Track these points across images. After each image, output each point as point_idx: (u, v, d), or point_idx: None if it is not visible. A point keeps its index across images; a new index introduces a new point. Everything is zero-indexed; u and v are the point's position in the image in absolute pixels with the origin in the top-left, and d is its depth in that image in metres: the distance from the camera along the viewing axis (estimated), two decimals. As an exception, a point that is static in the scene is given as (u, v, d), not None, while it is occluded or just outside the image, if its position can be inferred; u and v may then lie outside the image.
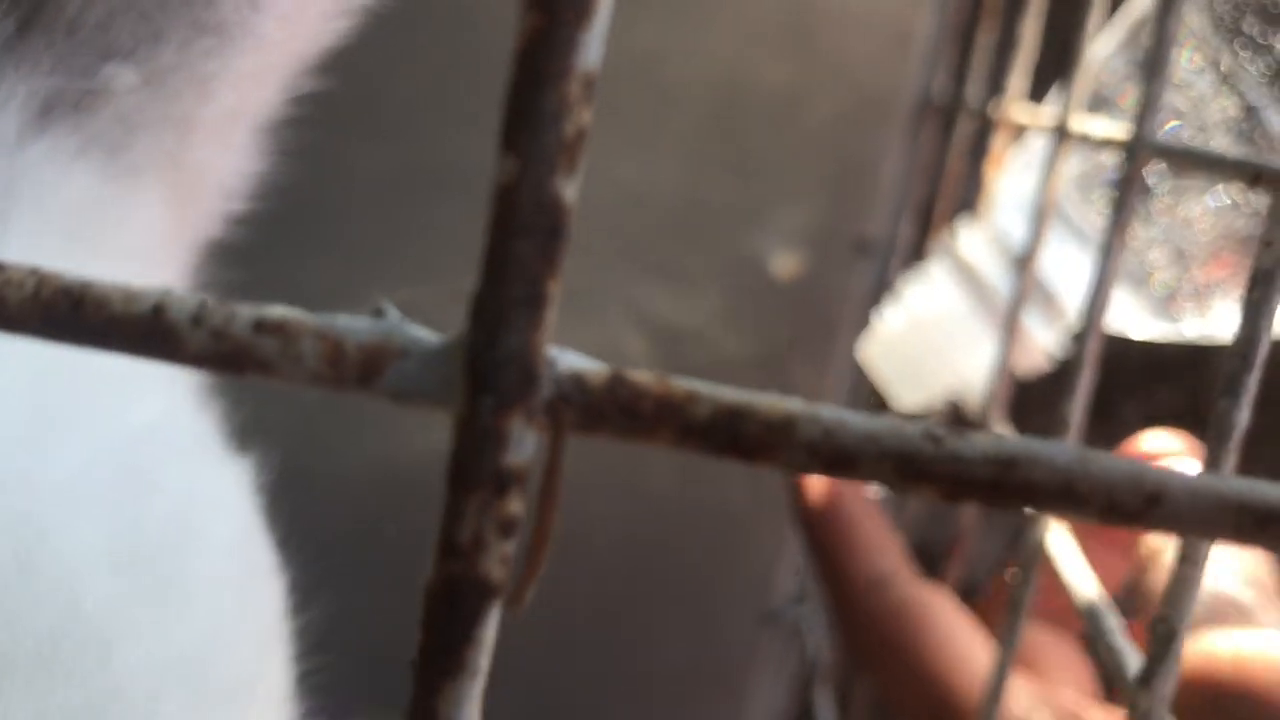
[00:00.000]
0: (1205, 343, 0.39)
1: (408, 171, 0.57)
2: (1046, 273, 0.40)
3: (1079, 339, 0.34)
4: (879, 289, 0.58)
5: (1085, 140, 0.34)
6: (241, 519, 0.21)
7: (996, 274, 0.39)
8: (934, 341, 0.39)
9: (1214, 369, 0.51)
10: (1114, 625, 0.24)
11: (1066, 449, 0.10)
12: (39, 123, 0.21)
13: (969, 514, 0.46)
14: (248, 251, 0.25)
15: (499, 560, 0.09)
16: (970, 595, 0.40)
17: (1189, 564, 0.20)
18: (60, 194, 0.21)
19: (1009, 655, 0.29)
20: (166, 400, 0.22)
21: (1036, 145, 0.41)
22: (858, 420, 0.10)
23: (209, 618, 0.19)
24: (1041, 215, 0.35)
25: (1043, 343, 0.39)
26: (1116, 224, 0.28)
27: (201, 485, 0.21)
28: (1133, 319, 0.39)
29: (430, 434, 0.62)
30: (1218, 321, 0.37)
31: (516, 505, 0.09)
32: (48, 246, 0.20)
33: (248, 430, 0.26)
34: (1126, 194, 0.29)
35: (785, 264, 0.60)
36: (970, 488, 0.09)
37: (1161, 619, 0.20)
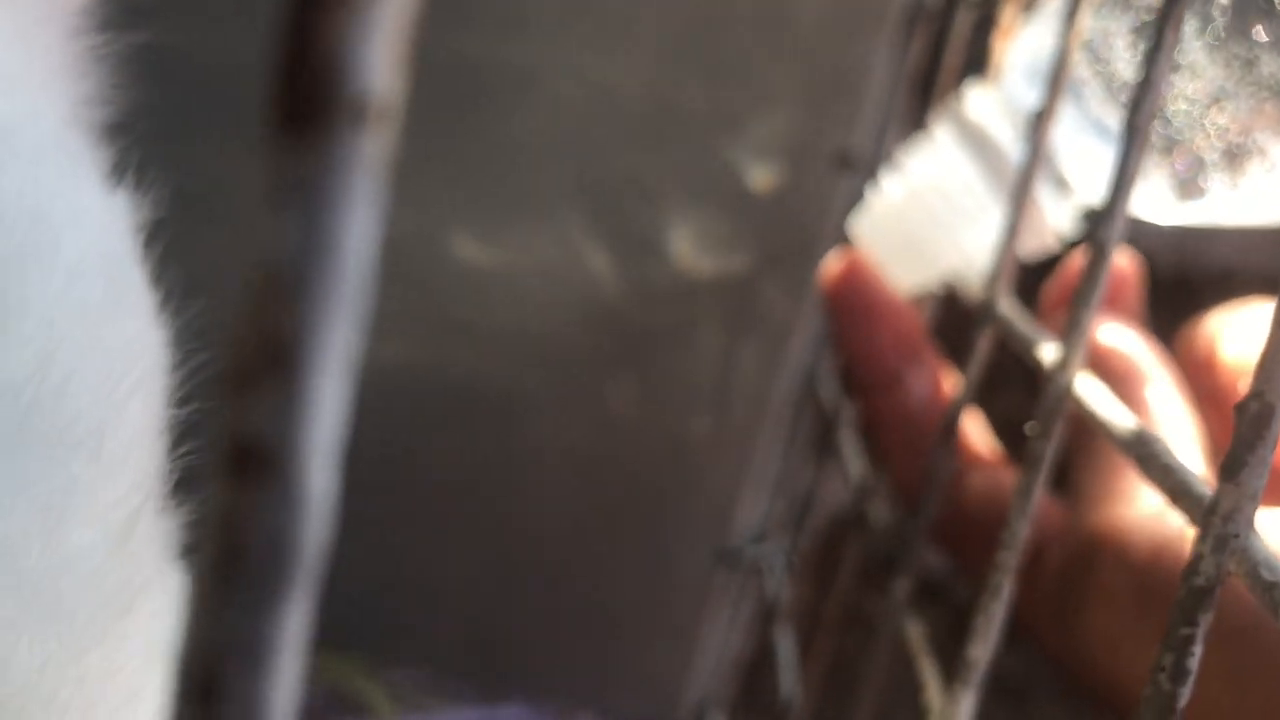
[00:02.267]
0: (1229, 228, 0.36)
1: None
2: (1058, 148, 0.36)
3: (1091, 218, 0.30)
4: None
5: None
6: (104, 247, 0.17)
7: (1006, 138, 0.36)
8: (935, 212, 0.36)
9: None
10: (1165, 447, 0.20)
11: None
12: None
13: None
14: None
15: None
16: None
17: (1297, 320, 0.16)
18: None
19: (1025, 512, 0.25)
20: (30, 104, 0.18)
21: (1051, 6, 0.37)
22: None
23: (44, 343, 0.15)
24: (1058, 74, 0.31)
25: (1053, 220, 0.36)
26: (1151, 68, 0.25)
27: (56, 199, 0.17)
28: (1151, 199, 0.36)
29: (375, 344, 0.57)
30: (1250, 193, 0.34)
31: None
32: None
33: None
34: (1167, 25, 0.25)
35: (762, 177, 0.57)
36: None
37: (1255, 395, 0.16)
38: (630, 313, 0.57)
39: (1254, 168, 0.33)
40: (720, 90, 0.55)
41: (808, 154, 0.56)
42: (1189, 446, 0.33)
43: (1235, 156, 0.33)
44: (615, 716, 0.60)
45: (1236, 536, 0.16)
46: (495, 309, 0.57)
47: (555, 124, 0.56)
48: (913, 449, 0.37)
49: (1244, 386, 0.17)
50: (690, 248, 0.57)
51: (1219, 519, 0.17)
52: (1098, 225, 0.25)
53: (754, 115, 0.56)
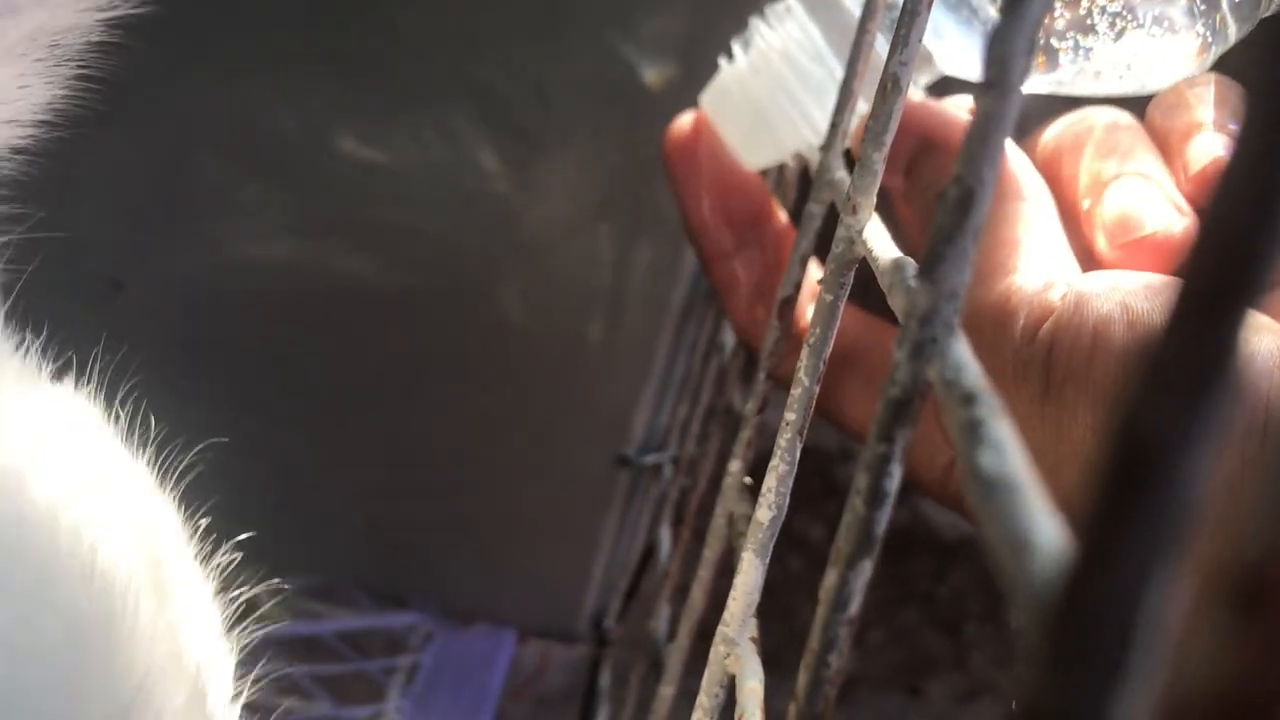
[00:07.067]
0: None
1: None
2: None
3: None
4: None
5: None
6: None
7: (859, 7, 0.34)
8: (785, 84, 0.34)
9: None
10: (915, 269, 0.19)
11: None
12: None
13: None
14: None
15: None
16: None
17: (996, 91, 0.15)
18: None
19: (817, 368, 0.24)
20: None
21: None
22: None
23: None
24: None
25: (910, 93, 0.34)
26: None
27: None
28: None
29: (260, 244, 0.56)
30: (1117, 62, 0.32)
31: None
32: None
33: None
34: None
35: (654, 73, 0.55)
36: None
37: (956, 179, 0.15)
38: (521, 213, 0.55)
39: (1129, 38, 0.31)
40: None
41: (701, 49, 0.54)
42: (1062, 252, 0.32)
43: (1107, 23, 0.31)
44: (513, 625, 0.59)
45: (934, 341, 0.15)
46: (382, 208, 0.55)
47: (441, 16, 0.54)
48: (763, 317, 0.36)
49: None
50: (582, 146, 0.55)
51: (915, 321, 0.15)
52: (890, 56, 0.23)
53: (645, 8, 0.54)
